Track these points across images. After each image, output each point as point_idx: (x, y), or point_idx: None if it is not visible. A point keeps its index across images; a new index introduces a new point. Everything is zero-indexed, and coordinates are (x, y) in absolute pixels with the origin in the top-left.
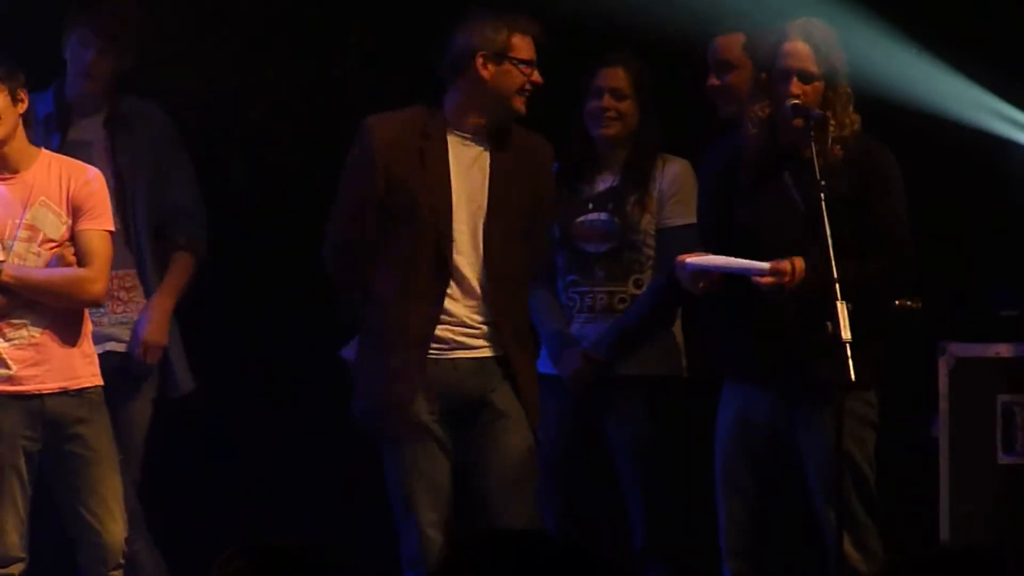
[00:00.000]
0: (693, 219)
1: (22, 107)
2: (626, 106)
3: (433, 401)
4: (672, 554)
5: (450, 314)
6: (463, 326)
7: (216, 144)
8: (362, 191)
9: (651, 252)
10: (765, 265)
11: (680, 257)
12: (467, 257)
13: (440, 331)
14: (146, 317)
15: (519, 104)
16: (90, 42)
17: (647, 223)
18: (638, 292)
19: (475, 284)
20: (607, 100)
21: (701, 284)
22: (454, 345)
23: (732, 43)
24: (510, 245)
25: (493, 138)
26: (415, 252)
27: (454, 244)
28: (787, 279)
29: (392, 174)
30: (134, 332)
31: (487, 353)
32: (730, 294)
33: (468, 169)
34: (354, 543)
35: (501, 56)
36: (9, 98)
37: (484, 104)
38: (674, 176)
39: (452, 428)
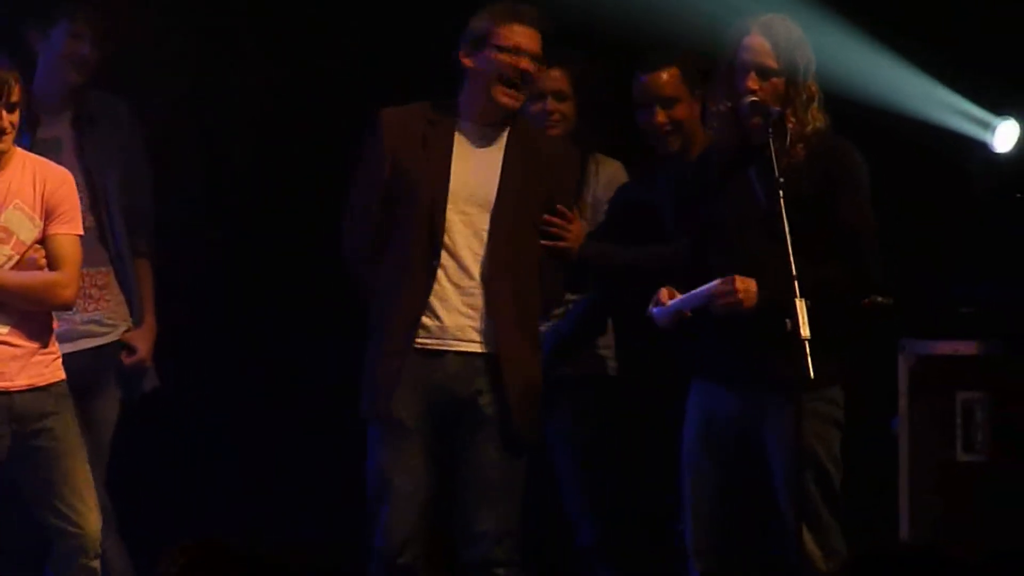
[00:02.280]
0: None
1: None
2: (567, 108)
3: (419, 397)
4: (619, 554)
5: (441, 305)
6: (455, 316)
7: (214, 142)
8: (373, 181)
9: None
10: (715, 283)
11: (649, 310)
12: (464, 248)
13: (429, 322)
14: (144, 337)
15: (499, 95)
16: (84, 34)
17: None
18: (574, 298)
19: (471, 276)
20: (550, 103)
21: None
22: (444, 337)
23: (670, 78)
24: (517, 240)
25: (513, 133)
26: (410, 240)
27: (448, 234)
28: (740, 296)
29: (396, 161)
30: (129, 343)
31: (478, 349)
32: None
33: (475, 160)
34: (354, 543)
35: (481, 43)
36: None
37: (475, 94)
38: (608, 181)
39: (439, 426)
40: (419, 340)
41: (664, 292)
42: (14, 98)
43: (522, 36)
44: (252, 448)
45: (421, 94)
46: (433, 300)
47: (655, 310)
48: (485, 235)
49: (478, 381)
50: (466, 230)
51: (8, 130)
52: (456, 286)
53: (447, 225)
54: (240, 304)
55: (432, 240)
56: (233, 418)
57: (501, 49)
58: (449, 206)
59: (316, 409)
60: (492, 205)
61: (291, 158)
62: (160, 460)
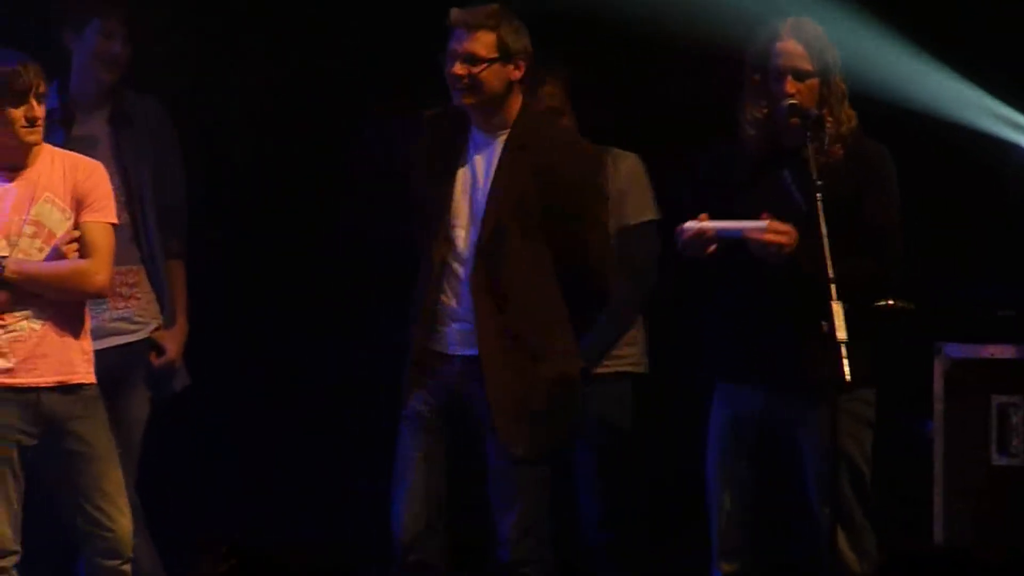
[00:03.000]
0: (651, 215)
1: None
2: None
3: (436, 399)
4: (629, 555)
5: (447, 313)
6: (454, 323)
7: (214, 141)
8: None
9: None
10: (763, 224)
11: (680, 226)
12: (462, 254)
13: (440, 327)
14: (175, 338)
15: (455, 97)
16: (117, 32)
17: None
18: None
19: (464, 283)
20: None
21: (706, 248)
22: (450, 343)
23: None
24: (507, 244)
25: (512, 136)
26: (425, 244)
27: (449, 241)
28: (785, 239)
29: (419, 165)
30: (158, 343)
31: (474, 352)
32: (725, 292)
33: (479, 166)
34: (355, 543)
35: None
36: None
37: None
38: (627, 174)
39: (458, 427)
40: (431, 345)
41: (703, 216)
42: (43, 89)
43: (455, 41)
44: (250, 447)
45: (421, 94)
46: (441, 307)
47: (685, 227)
48: (474, 247)
49: (478, 389)
50: (462, 242)
51: (39, 121)
52: (454, 296)
53: (450, 236)
54: (240, 303)
55: (436, 249)
56: (232, 418)
57: (448, 53)
58: (451, 218)
59: (316, 409)
60: (481, 216)
61: (291, 158)
62: (158, 458)
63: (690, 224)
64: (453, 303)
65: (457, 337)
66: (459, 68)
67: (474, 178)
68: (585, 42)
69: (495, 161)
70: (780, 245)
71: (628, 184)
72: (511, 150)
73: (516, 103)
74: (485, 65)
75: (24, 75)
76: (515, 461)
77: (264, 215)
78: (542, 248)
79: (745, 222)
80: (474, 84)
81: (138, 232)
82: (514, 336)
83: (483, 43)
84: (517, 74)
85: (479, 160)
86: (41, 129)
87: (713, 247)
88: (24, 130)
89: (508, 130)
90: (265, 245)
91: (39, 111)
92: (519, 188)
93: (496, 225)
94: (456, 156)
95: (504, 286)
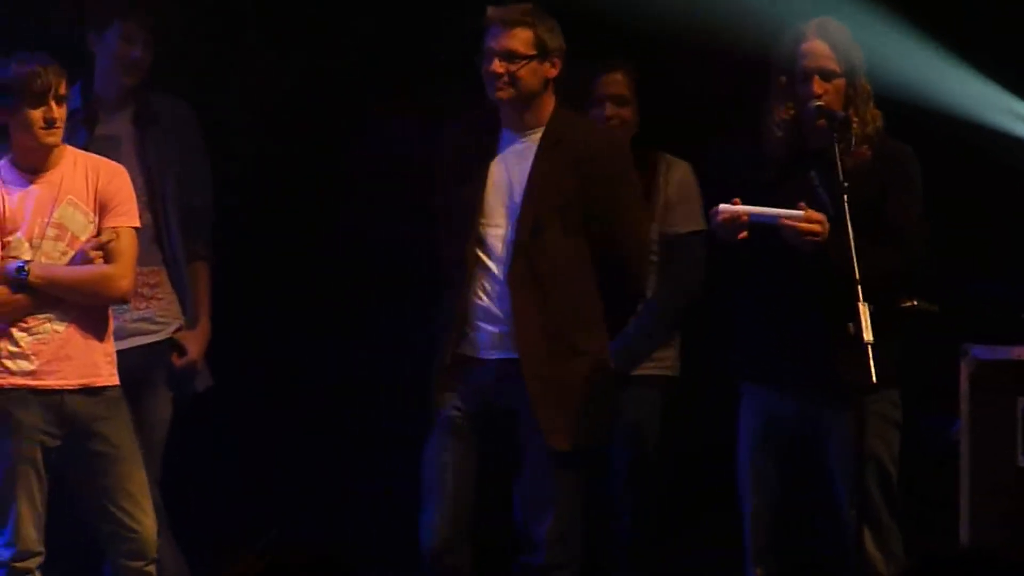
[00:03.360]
0: (700, 226)
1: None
2: (627, 112)
3: (466, 405)
4: (654, 557)
5: (478, 315)
6: (489, 325)
7: (216, 140)
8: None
9: (655, 259)
10: (799, 212)
11: (716, 208)
12: (496, 258)
13: (469, 331)
14: (197, 339)
15: (491, 92)
16: (136, 36)
17: (652, 231)
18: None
19: (501, 285)
20: (609, 108)
21: (739, 233)
22: (480, 347)
23: (622, 78)
24: (545, 245)
25: (547, 134)
26: (454, 245)
27: (481, 245)
28: (819, 227)
29: (444, 169)
30: (180, 344)
31: (509, 355)
32: (754, 294)
33: (512, 164)
34: (355, 544)
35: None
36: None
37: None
38: (679, 182)
39: (489, 433)
40: (459, 349)
41: (736, 200)
42: (63, 90)
43: (491, 38)
44: (253, 447)
45: (423, 95)
46: (471, 310)
47: (721, 209)
48: (512, 244)
49: (514, 390)
50: (497, 240)
51: (59, 122)
52: (489, 296)
53: (482, 236)
54: (240, 304)
55: (467, 248)
56: (233, 418)
57: (482, 55)
58: (482, 218)
59: (317, 409)
60: (518, 213)
61: (292, 159)
62: (207, 459)
63: (725, 207)
64: (487, 302)
65: (490, 340)
66: (497, 65)
67: (508, 177)
68: (607, 42)
69: (531, 158)
70: (815, 233)
71: (679, 193)
72: (548, 146)
73: (550, 102)
74: (523, 62)
75: (43, 76)
76: (556, 456)
77: (265, 216)
78: (581, 243)
79: (781, 209)
80: (512, 81)
81: (160, 233)
82: (554, 332)
83: (521, 40)
84: (552, 72)
85: (512, 159)
86: (60, 131)
87: (745, 233)
88: (42, 131)
89: (541, 128)
90: (265, 243)
91: (58, 113)
92: (558, 183)
93: (535, 221)
94: (485, 157)
95: (545, 281)
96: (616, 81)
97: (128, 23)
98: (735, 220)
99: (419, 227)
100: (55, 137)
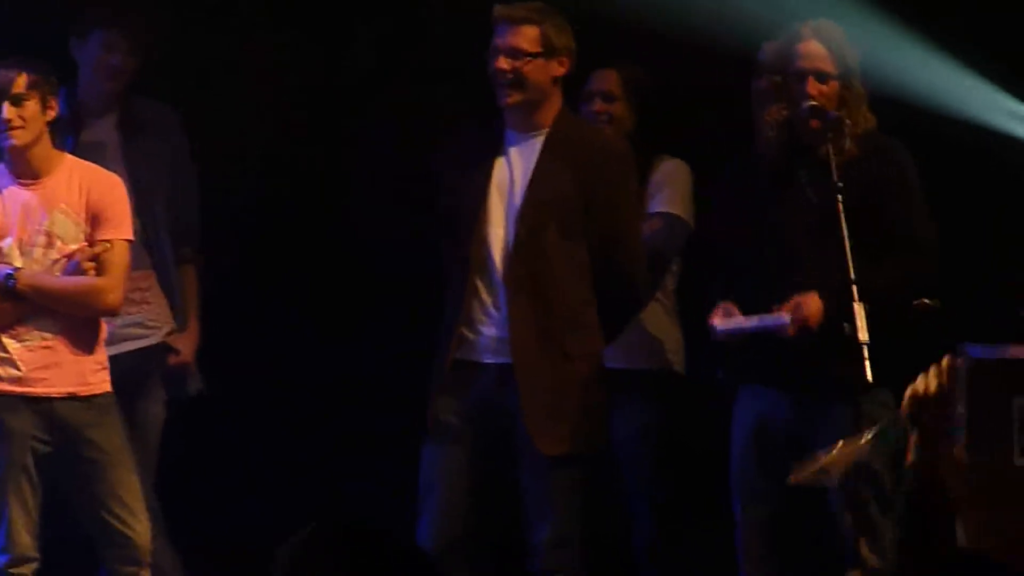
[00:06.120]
0: (676, 211)
1: (51, 114)
2: (617, 108)
3: (463, 409)
4: (672, 557)
5: (477, 318)
6: (488, 328)
7: (217, 142)
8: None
9: None
10: (785, 318)
11: (710, 320)
12: (496, 261)
13: (468, 334)
14: (188, 340)
15: (499, 95)
16: (117, 45)
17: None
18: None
19: (500, 288)
20: (598, 104)
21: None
22: (479, 350)
23: (613, 76)
24: (546, 242)
25: (551, 136)
26: (453, 248)
27: (484, 242)
28: (809, 319)
29: (447, 171)
30: (172, 347)
31: (508, 359)
32: (748, 299)
33: (515, 164)
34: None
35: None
36: (39, 104)
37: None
38: (666, 170)
39: (486, 437)
40: (459, 354)
41: (720, 310)
42: (15, 90)
43: (498, 36)
44: (251, 448)
45: (426, 99)
46: (470, 313)
47: (719, 328)
48: (511, 244)
49: (512, 394)
50: (498, 243)
51: (13, 123)
52: (489, 299)
53: (483, 237)
54: (241, 304)
55: (466, 251)
56: (232, 418)
57: (490, 51)
58: (486, 220)
59: (317, 410)
60: (517, 212)
61: (294, 158)
62: (202, 461)
63: (720, 328)
64: (489, 305)
65: (492, 344)
66: (503, 63)
67: (511, 178)
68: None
69: (534, 159)
70: (806, 327)
71: (662, 179)
72: (551, 149)
73: (556, 102)
74: (529, 59)
75: None
76: (549, 463)
77: (267, 213)
78: (580, 247)
79: (767, 318)
80: (518, 79)
81: (149, 238)
82: (549, 336)
83: (527, 37)
84: (560, 71)
85: (516, 160)
86: (22, 132)
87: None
88: None
89: (546, 130)
90: (267, 243)
91: (10, 113)
92: (560, 186)
93: (535, 223)
94: (488, 158)
95: (542, 284)
96: (607, 77)
97: (109, 31)
98: (731, 337)
99: (419, 228)
100: (16, 139)
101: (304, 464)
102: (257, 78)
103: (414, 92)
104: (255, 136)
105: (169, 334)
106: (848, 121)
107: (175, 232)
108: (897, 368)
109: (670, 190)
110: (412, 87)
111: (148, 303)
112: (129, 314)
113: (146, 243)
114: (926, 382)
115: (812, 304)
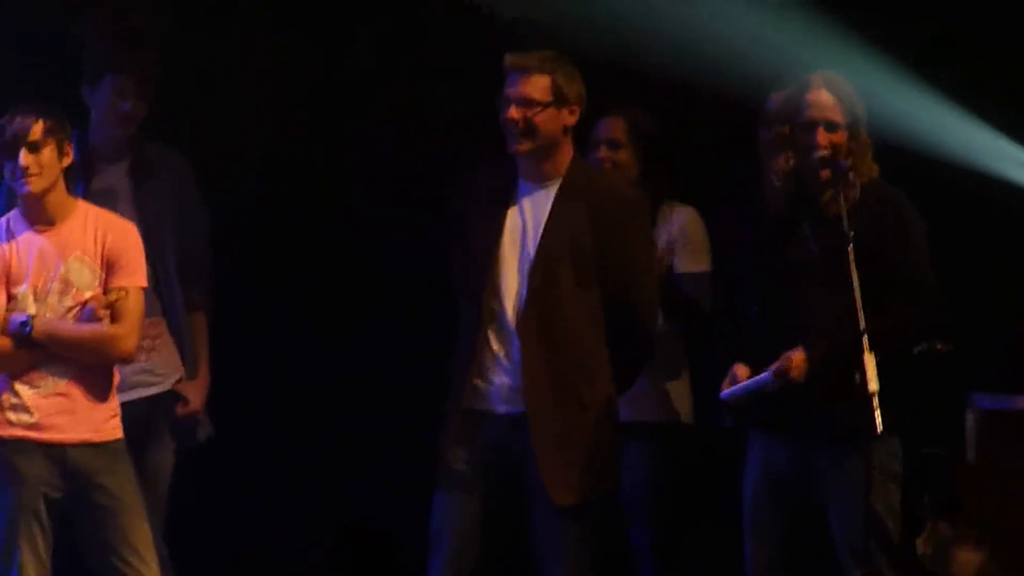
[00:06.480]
0: (704, 267)
1: (67, 161)
2: (622, 156)
3: (474, 457)
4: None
5: (488, 367)
6: (500, 377)
7: (217, 142)
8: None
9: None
10: (766, 376)
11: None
12: (508, 309)
13: (479, 383)
14: (198, 389)
15: (510, 143)
16: (129, 91)
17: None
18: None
19: (512, 336)
20: (603, 151)
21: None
22: (490, 399)
23: (619, 123)
24: (560, 291)
25: (565, 184)
26: (466, 296)
27: (497, 293)
28: (793, 375)
29: (464, 216)
30: (182, 394)
31: (521, 408)
32: (753, 343)
33: (528, 214)
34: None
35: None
36: (56, 151)
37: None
38: (682, 223)
39: (497, 486)
40: (471, 403)
41: (728, 378)
42: (32, 137)
43: (509, 85)
44: (252, 453)
45: (426, 99)
46: (482, 362)
47: (722, 395)
48: (524, 294)
49: (524, 443)
50: (511, 293)
51: (31, 170)
52: (501, 349)
53: (495, 289)
54: (243, 306)
55: (483, 302)
56: (268, 463)
57: (501, 100)
58: (498, 271)
59: (318, 411)
60: (531, 262)
61: (295, 159)
62: (210, 508)
63: (723, 394)
64: (502, 354)
65: (504, 394)
66: (514, 112)
67: (524, 227)
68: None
69: (548, 208)
70: (791, 383)
71: (681, 235)
72: (564, 198)
73: (568, 151)
74: (540, 109)
75: (8, 127)
76: (561, 512)
77: (269, 214)
78: (593, 295)
79: (759, 378)
80: (529, 128)
81: (159, 284)
82: (564, 385)
83: (538, 87)
84: (571, 120)
85: (528, 209)
86: (39, 179)
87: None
88: (16, 182)
89: (559, 178)
90: (268, 244)
91: (27, 160)
92: (573, 234)
93: (548, 273)
94: (502, 206)
95: (556, 333)
96: (613, 125)
97: (120, 76)
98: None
99: (419, 228)
100: (32, 186)
101: (304, 464)
102: (257, 78)
103: (414, 92)
104: (255, 136)
105: (178, 382)
106: (853, 172)
107: (185, 277)
108: (906, 416)
109: (695, 245)
110: (412, 87)
111: (159, 351)
112: (139, 361)
113: (156, 289)
114: None
115: (795, 359)
